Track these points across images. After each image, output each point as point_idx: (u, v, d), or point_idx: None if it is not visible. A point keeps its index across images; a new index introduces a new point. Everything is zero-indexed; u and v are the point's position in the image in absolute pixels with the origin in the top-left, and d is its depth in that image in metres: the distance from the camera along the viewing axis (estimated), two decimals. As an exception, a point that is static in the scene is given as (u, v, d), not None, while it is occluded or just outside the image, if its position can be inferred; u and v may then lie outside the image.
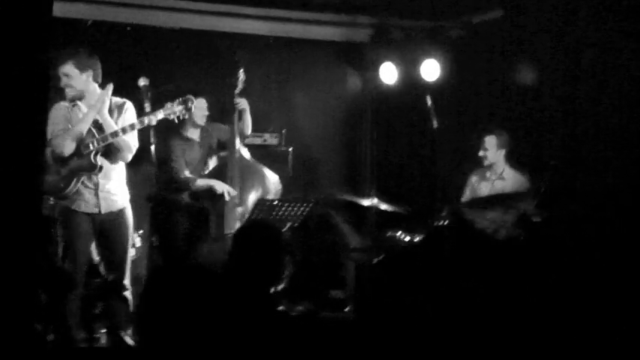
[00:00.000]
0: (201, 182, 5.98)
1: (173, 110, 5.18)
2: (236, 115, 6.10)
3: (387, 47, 7.54)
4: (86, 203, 5.04)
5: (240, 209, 5.91)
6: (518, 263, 5.39)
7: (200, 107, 6.05)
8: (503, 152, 6.28)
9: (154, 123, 5.12)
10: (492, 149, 6.25)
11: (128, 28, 7.00)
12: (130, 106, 5.21)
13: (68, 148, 4.96)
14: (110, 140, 4.96)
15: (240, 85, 6.13)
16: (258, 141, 6.90)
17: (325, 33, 7.76)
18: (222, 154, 6.20)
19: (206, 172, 6.17)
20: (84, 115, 5.03)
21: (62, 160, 4.97)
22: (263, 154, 6.75)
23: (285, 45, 7.69)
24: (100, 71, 5.14)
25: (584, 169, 6.10)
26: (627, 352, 4.49)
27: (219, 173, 6.06)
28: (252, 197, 5.98)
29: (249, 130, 6.22)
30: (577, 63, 6.25)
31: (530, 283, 5.14)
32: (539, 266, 5.47)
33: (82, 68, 5.06)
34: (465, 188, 6.53)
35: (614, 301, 5.08)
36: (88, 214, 5.04)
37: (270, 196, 5.94)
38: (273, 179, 6.08)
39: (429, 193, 7.46)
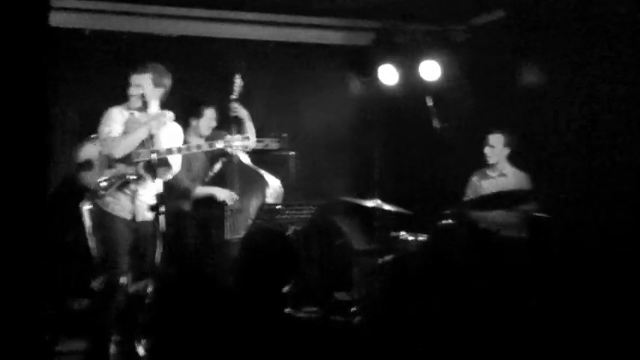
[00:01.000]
0: (201, 191, 5.97)
1: (231, 144, 5.31)
2: (233, 123, 6.08)
3: (389, 51, 7.54)
4: (122, 208, 5.09)
5: (240, 215, 5.90)
6: (523, 263, 5.38)
7: (209, 117, 6.05)
8: (507, 151, 6.29)
9: (207, 149, 5.40)
10: (498, 146, 6.27)
11: (125, 37, 7.00)
12: (179, 130, 5.37)
13: (120, 152, 5.02)
14: (162, 156, 5.02)
15: (237, 91, 6.10)
16: (259, 146, 6.88)
17: (327, 37, 7.77)
18: (223, 159, 6.18)
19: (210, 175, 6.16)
20: (142, 126, 5.07)
21: (109, 162, 5.04)
22: (264, 159, 6.74)
23: (287, 49, 7.69)
24: (168, 92, 5.29)
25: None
26: (628, 352, 4.48)
27: (219, 179, 6.05)
28: (253, 202, 5.96)
29: (252, 138, 6.16)
30: (579, 65, 6.27)
31: (534, 283, 5.13)
32: (543, 266, 5.47)
33: (156, 84, 5.20)
34: (467, 188, 6.53)
35: (616, 302, 5.08)
36: (123, 219, 5.08)
37: (271, 201, 5.92)
38: (274, 183, 6.06)
39: (433, 194, 7.45)
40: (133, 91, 5.17)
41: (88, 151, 5.09)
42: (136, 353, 5.17)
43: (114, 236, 5.04)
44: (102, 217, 5.08)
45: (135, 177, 5.09)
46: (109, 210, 5.07)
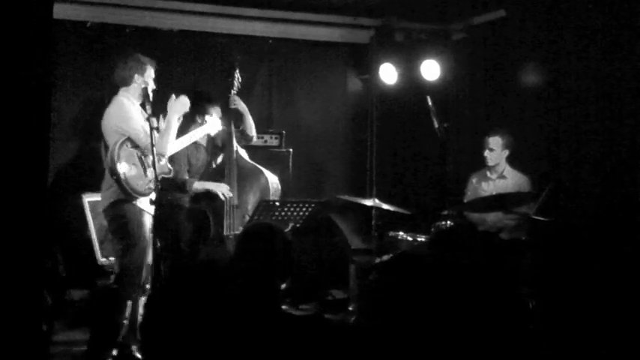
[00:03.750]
0: (199, 185, 5.97)
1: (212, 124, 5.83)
2: (233, 116, 6.08)
3: (388, 49, 7.54)
4: (147, 204, 5.13)
5: (238, 211, 5.90)
6: (522, 265, 5.39)
7: (215, 115, 6.06)
8: (506, 153, 6.29)
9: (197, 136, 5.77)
10: (497, 149, 6.26)
11: (126, 30, 7.00)
12: None
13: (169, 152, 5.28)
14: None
15: (236, 86, 6.11)
16: (258, 142, 6.89)
17: (326, 34, 7.77)
18: (222, 154, 6.19)
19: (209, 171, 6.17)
20: (169, 124, 5.28)
21: (145, 164, 5.10)
22: (263, 156, 6.74)
23: (287, 46, 7.70)
24: None
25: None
26: (629, 352, 4.49)
27: (218, 174, 6.05)
28: (250, 198, 5.96)
29: (252, 131, 6.18)
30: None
31: (533, 286, 5.14)
32: (542, 269, 5.48)
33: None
34: (466, 189, 6.54)
35: (617, 304, 5.08)
36: (149, 214, 5.18)
37: (268, 197, 5.92)
38: (271, 180, 6.05)
39: (432, 194, 7.46)
40: (147, 82, 5.27)
41: (130, 155, 5.10)
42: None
43: (146, 231, 5.15)
44: (139, 213, 5.15)
45: (167, 173, 5.26)
46: (141, 206, 5.16)
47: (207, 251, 5.84)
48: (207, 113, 6.00)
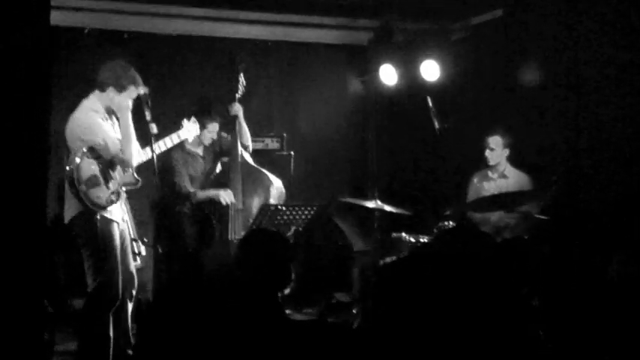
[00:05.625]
0: (202, 195, 5.97)
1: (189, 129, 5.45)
2: (236, 122, 6.07)
3: (388, 49, 7.53)
4: (117, 213, 4.97)
5: (243, 215, 5.90)
6: (524, 264, 5.37)
7: (211, 131, 6.04)
8: (507, 152, 6.28)
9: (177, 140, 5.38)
10: (498, 149, 6.26)
11: (125, 36, 6.99)
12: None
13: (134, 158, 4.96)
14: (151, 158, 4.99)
15: (240, 91, 6.09)
16: (259, 145, 6.89)
17: (326, 36, 7.77)
18: (225, 159, 6.18)
19: (211, 177, 6.16)
20: (130, 131, 4.96)
21: (107, 175, 4.90)
22: (264, 159, 6.74)
23: (287, 49, 7.70)
24: None
25: (587, 175, 6.07)
26: (630, 354, 4.46)
27: (222, 179, 6.05)
28: (255, 202, 5.96)
29: (248, 141, 6.13)
30: (578, 67, 6.25)
31: (536, 284, 5.13)
32: (544, 268, 5.46)
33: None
34: (467, 189, 6.53)
35: (618, 303, 5.05)
36: (117, 222, 4.98)
37: (273, 201, 5.92)
38: (276, 184, 6.06)
39: (433, 195, 7.45)
40: (131, 94, 5.00)
41: (90, 167, 4.83)
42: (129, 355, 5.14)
43: (115, 240, 4.93)
44: (106, 223, 4.89)
45: (134, 184, 5.03)
46: (109, 216, 4.92)
47: (211, 255, 5.84)
48: (205, 127, 5.99)
